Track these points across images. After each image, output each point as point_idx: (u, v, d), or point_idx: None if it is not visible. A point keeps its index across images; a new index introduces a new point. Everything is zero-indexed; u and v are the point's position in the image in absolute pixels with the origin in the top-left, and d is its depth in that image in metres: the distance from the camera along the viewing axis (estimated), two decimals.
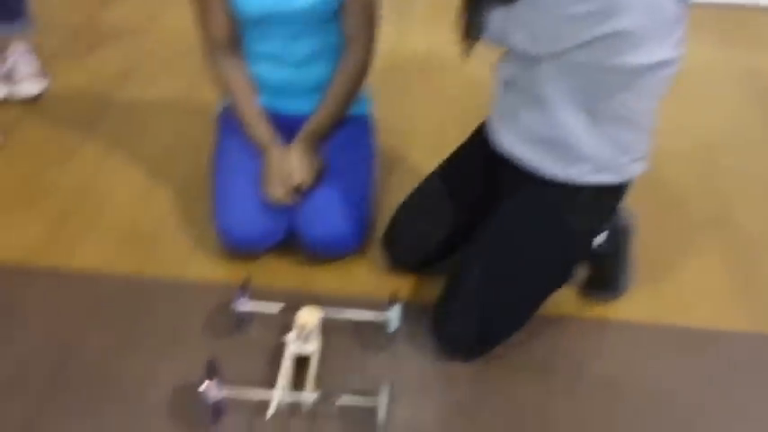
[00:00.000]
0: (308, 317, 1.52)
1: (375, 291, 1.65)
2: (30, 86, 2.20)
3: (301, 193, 1.67)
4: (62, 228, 1.82)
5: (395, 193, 1.83)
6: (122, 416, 1.40)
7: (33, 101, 2.20)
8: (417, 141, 2.13)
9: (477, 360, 1.53)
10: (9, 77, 2.20)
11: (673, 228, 1.89)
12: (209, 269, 1.72)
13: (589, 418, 1.44)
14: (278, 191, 1.65)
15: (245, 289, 1.57)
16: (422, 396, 1.47)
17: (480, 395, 1.48)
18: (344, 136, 1.80)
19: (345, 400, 1.38)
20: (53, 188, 1.93)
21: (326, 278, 1.71)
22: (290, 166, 1.67)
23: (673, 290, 1.71)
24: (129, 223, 1.84)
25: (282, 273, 1.71)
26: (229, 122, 1.80)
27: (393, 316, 1.53)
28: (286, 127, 1.74)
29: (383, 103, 1.98)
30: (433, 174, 1.73)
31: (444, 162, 1.73)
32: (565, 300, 1.66)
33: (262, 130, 1.71)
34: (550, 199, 1.52)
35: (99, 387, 1.45)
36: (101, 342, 1.54)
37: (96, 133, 2.12)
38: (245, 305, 1.56)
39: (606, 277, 1.69)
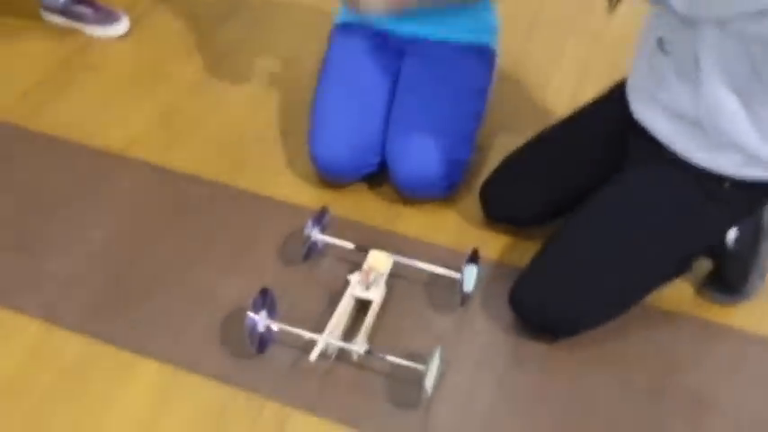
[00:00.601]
0: (378, 262, 1.42)
1: (459, 245, 1.52)
2: None
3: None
4: (166, 123, 1.80)
5: (505, 140, 1.66)
6: (171, 325, 1.38)
7: None
8: (540, 91, 1.92)
9: (556, 343, 1.37)
10: None
11: None
12: (296, 191, 1.64)
13: None
14: None
15: (321, 219, 1.48)
16: (481, 370, 1.34)
17: (546, 382, 1.33)
18: (458, 64, 1.64)
19: (394, 359, 1.28)
20: (168, 81, 1.91)
21: (410, 222, 1.59)
22: None
23: None
24: (231, 129, 1.80)
25: (367, 208, 1.61)
26: (342, 40, 1.69)
27: (468, 276, 1.40)
28: (396, 49, 1.60)
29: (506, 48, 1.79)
30: (553, 127, 1.55)
31: (567, 117, 1.55)
32: (677, 293, 1.46)
33: None
34: (685, 183, 1.32)
35: (158, 292, 1.43)
36: (173, 245, 1.52)
37: (222, 30, 2.08)
38: (317, 235, 1.48)
39: (731, 278, 1.46)
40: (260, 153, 1.74)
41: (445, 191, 1.59)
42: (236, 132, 1.79)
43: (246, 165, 1.71)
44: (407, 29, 1.62)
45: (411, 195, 1.58)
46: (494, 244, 1.54)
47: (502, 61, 1.81)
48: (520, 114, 1.85)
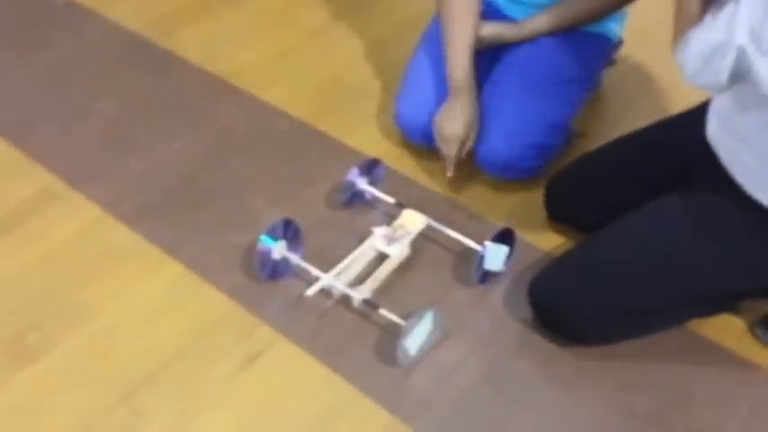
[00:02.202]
0: (409, 220, 1.41)
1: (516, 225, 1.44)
2: None
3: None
4: (278, 62, 1.90)
5: (603, 132, 1.58)
6: (206, 238, 1.47)
7: None
8: (656, 89, 1.79)
9: (566, 347, 1.29)
10: None
11: None
12: (372, 144, 1.66)
13: None
14: (451, 146, 1.50)
15: (370, 169, 1.49)
16: (477, 350, 1.29)
17: (540, 381, 1.26)
18: (566, 48, 1.56)
19: (385, 312, 1.28)
20: (292, 25, 2.02)
21: (474, 196, 1.56)
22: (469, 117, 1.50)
23: None
24: (332, 76, 1.86)
25: (436, 174, 1.60)
26: None
27: (492, 253, 1.34)
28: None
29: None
30: (634, 134, 1.44)
31: (651, 125, 1.44)
32: (724, 323, 1.32)
33: (461, 67, 1.51)
34: (744, 216, 1.18)
35: (206, 207, 1.53)
36: (236, 170, 1.61)
37: None
38: (363, 185, 1.49)
39: None
40: (350, 102, 1.79)
41: (526, 174, 1.54)
42: (335, 79, 1.85)
43: (334, 110, 1.76)
44: (522, 14, 1.58)
45: (491, 174, 1.55)
46: (551, 236, 1.48)
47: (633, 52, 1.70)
48: (628, 108, 1.74)
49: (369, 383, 1.24)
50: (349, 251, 1.38)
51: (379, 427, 1.19)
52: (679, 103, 1.63)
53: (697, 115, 1.30)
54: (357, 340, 1.30)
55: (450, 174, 1.52)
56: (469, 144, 1.51)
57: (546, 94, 1.52)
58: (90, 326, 1.32)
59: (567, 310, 1.24)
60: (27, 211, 1.51)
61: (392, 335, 1.28)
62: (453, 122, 1.48)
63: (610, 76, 1.79)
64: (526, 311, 1.33)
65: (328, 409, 1.21)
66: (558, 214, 1.49)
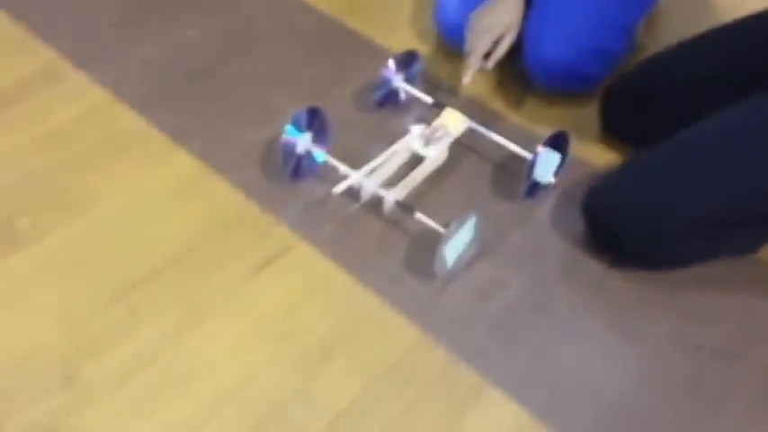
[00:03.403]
0: (451, 120, 1.26)
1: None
2: None
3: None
4: None
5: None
6: (222, 130, 1.32)
7: None
8: None
9: (621, 271, 1.15)
10: None
11: None
12: (406, 45, 1.49)
13: None
14: (482, 42, 1.30)
15: (407, 64, 1.33)
16: (521, 269, 1.15)
17: (589, 306, 1.12)
18: None
19: (421, 216, 1.13)
20: None
21: (521, 106, 1.40)
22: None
23: None
24: None
25: (480, 83, 1.43)
26: None
27: (544, 162, 1.19)
28: None
29: None
30: (701, 36, 1.28)
31: (723, 26, 1.27)
32: None
33: None
34: None
35: (224, 99, 1.38)
36: (258, 63, 1.46)
37: None
38: (399, 82, 1.34)
39: None
40: (384, 1, 1.62)
41: (587, 84, 1.37)
42: None
43: (366, 7, 1.60)
44: None
45: (542, 83, 1.37)
46: (605, 152, 1.32)
47: None
48: (689, 23, 1.56)
49: (396, 296, 1.10)
50: (379, 155, 1.23)
51: (407, 343, 1.05)
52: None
53: None
54: (385, 249, 1.16)
55: (467, 79, 1.31)
56: (502, 49, 1.31)
57: None
58: (87, 215, 1.18)
59: (633, 223, 1.08)
60: (26, 88, 1.36)
61: (424, 245, 1.14)
62: (492, 15, 1.30)
63: None
64: (575, 229, 1.19)
65: (350, 321, 1.07)
66: (615, 126, 1.33)
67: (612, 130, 1.33)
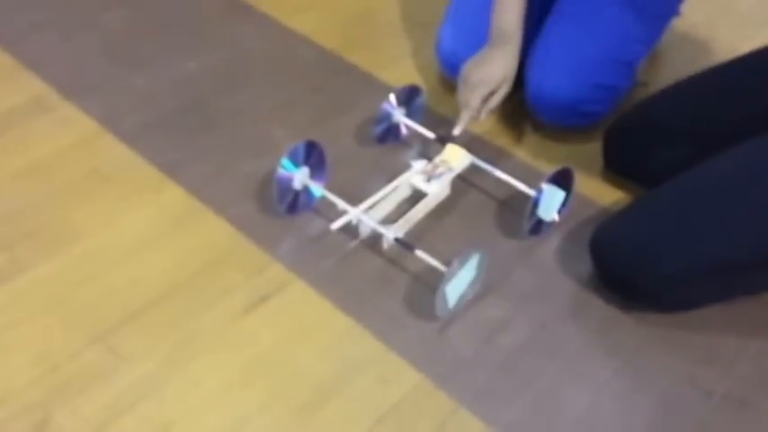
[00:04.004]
0: (453, 156, 1.21)
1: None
2: None
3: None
4: None
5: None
6: (215, 163, 1.27)
7: None
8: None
9: (629, 311, 1.09)
10: None
11: None
12: (408, 80, 1.46)
13: None
14: (475, 95, 1.23)
15: (408, 99, 1.29)
16: (526, 308, 1.09)
17: (595, 344, 1.06)
18: None
19: (421, 254, 1.07)
20: None
21: (523, 142, 1.36)
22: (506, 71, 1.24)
23: None
24: (366, 9, 1.66)
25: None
26: None
27: (548, 199, 1.14)
28: None
29: None
30: (704, 73, 1.24)
31: (725, 63, 1.23)
32: None
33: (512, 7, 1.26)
34: None
35: (218, 131, 1.34)
36: (256, 95, 1.42)
37: None
38: (399, 116, 1.29)
39: None
40: (385, 36, 1.60)
41: (590, 120, 1.33)
42: (370, 12, 1.65)
43: (366, 44, 1.57)
44: None
45: (546, 118, 1.34)
46: (609, 190, 1.28)
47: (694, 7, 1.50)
48: (690, 62, 1.53)
49: (396, 337, 1.04)
50: (379, 190, 1.18)
51: (407, 387, 0.98)
52: None
53: None
54: (385, 288, 1.10)
55: (458, 131, 1.23)
56: (495, 102, 1.24)
57: (617, 31, 1.31)
58: (69, 251, 1.12)
59: (642, 265, 1.03)
60: (13, 119, 1.32)
61: (425, 284, 1.08)
62: (486, 67, 1.23)
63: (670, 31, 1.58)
64: (581, 268, 1.14)
65: (348, 364, 1.01)
66: (618, 165, 1.29)
67: (615, 169, 1.29)
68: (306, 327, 1.04)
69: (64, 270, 1.10)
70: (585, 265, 1.13)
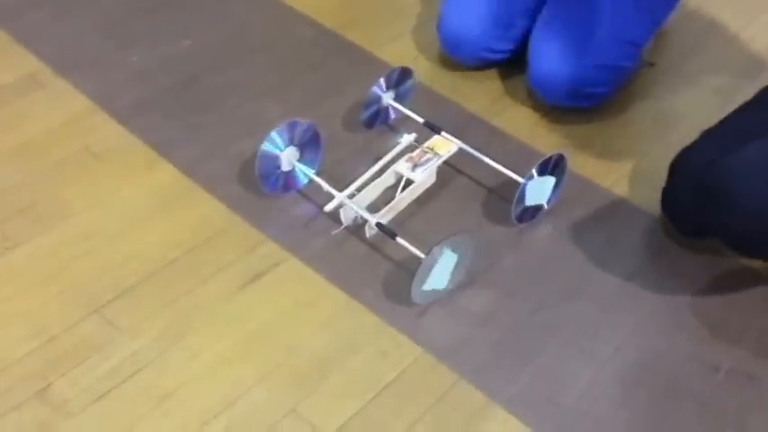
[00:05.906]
0: (439, 143, 1.23)
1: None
2: None
3: None
4: None
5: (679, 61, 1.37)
6: (207, 141, 1.28)
7: None
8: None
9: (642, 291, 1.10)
10: None
11: None
12: (406, 60, 1.44)
13: None
14: None
15: (398, 81, 1.30)
16: (510, 300, 1.09)
17: (607, 328, 1.08)
18: None
19: (401, 241, 1.08)
20: None
21: (522, 124, 1.36)
22: None
23: None
24: None
25: (481, 98, 1.39)
26: None
27: (537, 186, 1.15)
28: None
29: None
30: None
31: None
32: None
33: None
34: None
35: (212, 109, 1.34)
36: (250, 73, 1.42)
37: None
38: (388, 100, 1.31)
39: None
40: (384, 13, 1.60)
41: (593, 102, 1.33)
42: None
43: (365, 22, 1.57)
44: None
45: (545, 99, 1.34)
46: (609, 169, 1.28)
47: None
48: (697, 42, 1.55)
49: (395, 313, 1.05)
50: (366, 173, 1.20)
51: (407, 361, 1.00)
52: (750, 44, 1.51)
53: None
54: (368, 269, 1.11)
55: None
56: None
57: (625, 5, 1.29)
58: (62, 227, 1.13)
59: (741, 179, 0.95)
60: (6, 96, 1.32)
61: (405, 269, 1.09)
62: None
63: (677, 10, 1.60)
64: (579, 249, 1.15)
65: (346, 337, 1.03)
66: (686, 230, 1.15)
67: (684, 231, 1.17)
68: (302, 302, 1.06)
69: (58, 246, 1.10)
70: (583, 246, 1.15)
